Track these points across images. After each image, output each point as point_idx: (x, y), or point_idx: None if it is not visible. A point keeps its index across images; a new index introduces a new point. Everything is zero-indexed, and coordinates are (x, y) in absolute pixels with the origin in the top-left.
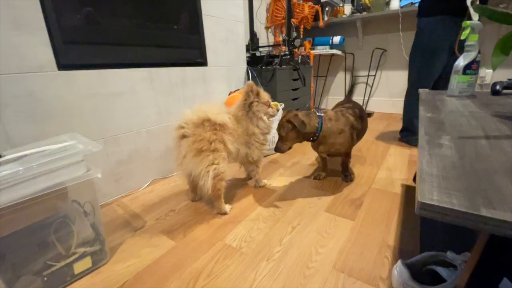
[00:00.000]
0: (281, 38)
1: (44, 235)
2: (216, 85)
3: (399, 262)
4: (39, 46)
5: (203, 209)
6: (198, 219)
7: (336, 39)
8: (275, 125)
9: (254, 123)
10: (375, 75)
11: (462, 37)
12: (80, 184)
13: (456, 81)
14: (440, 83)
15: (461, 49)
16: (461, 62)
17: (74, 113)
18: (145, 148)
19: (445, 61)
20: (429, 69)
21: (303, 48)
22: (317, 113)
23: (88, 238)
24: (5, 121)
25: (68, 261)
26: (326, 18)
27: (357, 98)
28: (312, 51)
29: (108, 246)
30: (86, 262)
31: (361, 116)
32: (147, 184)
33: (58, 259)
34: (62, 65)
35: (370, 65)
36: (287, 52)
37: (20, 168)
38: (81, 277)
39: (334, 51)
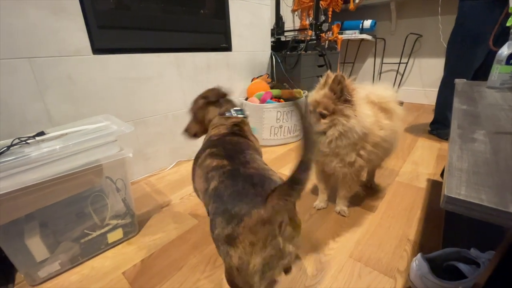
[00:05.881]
0: (308, 22)
1: (82, 207)
2: (239, 70)
3: (418, 255)
4: (76, 31)
5: None
6: None
7: (367, 23)
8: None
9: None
10: (407, 63)
11: (508, 24)
12: (113, 162)
13: (498, 71)
14: (480, 73)
15: (499, 39)
16: (505, 51)
17: (106, 95)
18: (171, 131)
19: (487, 50)
20: (470, 58)
21: (330, 32)
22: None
23: (120, 211)
24: (47, 101)
25: (102, 230)
26: (357, 1)
27: None
28: (340, 36)
29: (137, 220)
30: (118, 233)
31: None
32: (172, 165)
33: (94, 229)
34: (96, 49)
35: (402, 52)
36: (313, 37)
37: (62, 145)
38: (114, 246)
39: (364, 36)
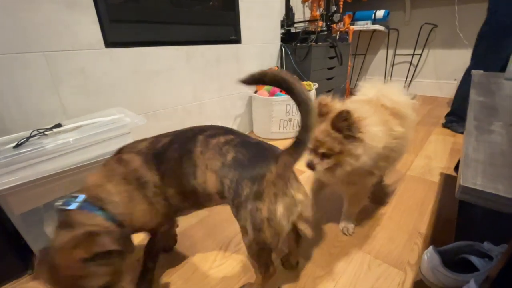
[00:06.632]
0: (318, 13)
1: None
2: (248, 63)
3: (430, 247)
4: (89, 24)
5: None
6: None
7: (380, 13)
8: None
9: None
10: (421, 54)
11: None
12: None
13: None
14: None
15: None
16: None
17: (119, 88)
18: (181, 124)
19: None
20: (499, 49)
21: (342, 23)
22: None
23: None
24: (62, 94)
25: None
26: None
27: (399, 79)
28: (351, 27)
29: None
30: None
31: None
32: None
33: None
34: (109, 43)
35: (416, 43)
36: (324, 28)
37: (76, 137)
38: None
39: (376, 26)
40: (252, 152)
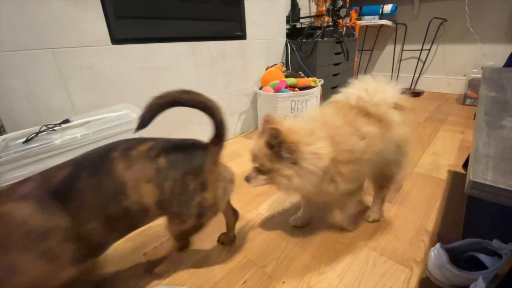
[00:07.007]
0: (324, 8)
1: None
2: (254, 59)
3: (437, 245)
4: (96, 21)
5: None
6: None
7: (387, 7)
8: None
9: None
10: (429, 49)
11: None
12: None
13: None
14: None
15: None
16: None
17: (125, 85)
18: (188, 120)
19: None
20: None
21: (348, 18)
22: None
23: None
24: (70, 91)
25: None
26: None
27: (407, 75)
28: (358, 22)
29: None
30: None
31: None
32: None
33: None
34: (115, 39)
35: (425, 38)
36: (330, 23)
37: (84, 133)
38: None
39: (383, 21)
40: (181, 149)
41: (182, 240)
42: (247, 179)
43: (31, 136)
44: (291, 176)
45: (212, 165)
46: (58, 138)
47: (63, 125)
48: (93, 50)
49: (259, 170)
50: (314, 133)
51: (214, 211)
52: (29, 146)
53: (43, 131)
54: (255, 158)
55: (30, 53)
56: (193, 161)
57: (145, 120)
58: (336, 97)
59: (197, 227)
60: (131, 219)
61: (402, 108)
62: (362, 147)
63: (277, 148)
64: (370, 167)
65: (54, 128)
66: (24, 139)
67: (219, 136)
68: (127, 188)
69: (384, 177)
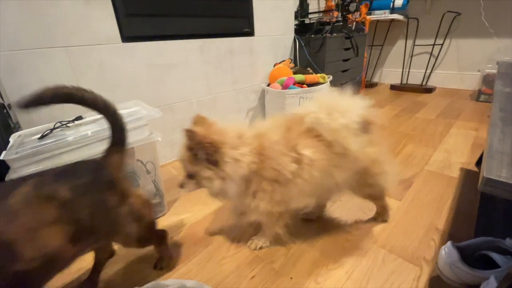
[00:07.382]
0: (333, 3)
1: None
2: (262, 56)
3: (448, 243)
4: (106, 19)
5: None
6: None
7: (398, 1)
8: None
9: None
10: (442, 44)
11: None
12: (144, 146)
13: None
14: None
15: None
16: None
17: (135, 82)
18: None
19: None
20: None
21: (358, 13)
22: None
23: (150, 192)
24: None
25: None
26: None
27: (418, 71)
28: (368, 17)
29: (166, 201)
30: None
31: None
32: None
33: None
34: (125, 37)
35: (437, 32)
36: (339, 18)
37: (95, 130)
38: None
39: (394, 16)
40: (79, 171)
41: (146, 243)
42: (180, 185)
43: (46, 133)
44: (211, 179)
45: (117, 165)
46: (72, 135)
47: (76, 122)
48: (104, 48)
49: (189, 175)
50: (242, 137)
51: (149, 206)
52: (44, 142)
53: (57, 127)
54: (181, 162)
55: (43, 51)
56: (100, 176)
57: (30, 102)
58: (296, 110)
59: (147, 227)
60: (33, 280)
61: (371, 124)
62: (292, 170)
63: (195, 150)
64: (314, 191)
65: (67, 125)
66: (39, 135)
67: (120, 142)
68: (16, 247)
69: (370, 196)
